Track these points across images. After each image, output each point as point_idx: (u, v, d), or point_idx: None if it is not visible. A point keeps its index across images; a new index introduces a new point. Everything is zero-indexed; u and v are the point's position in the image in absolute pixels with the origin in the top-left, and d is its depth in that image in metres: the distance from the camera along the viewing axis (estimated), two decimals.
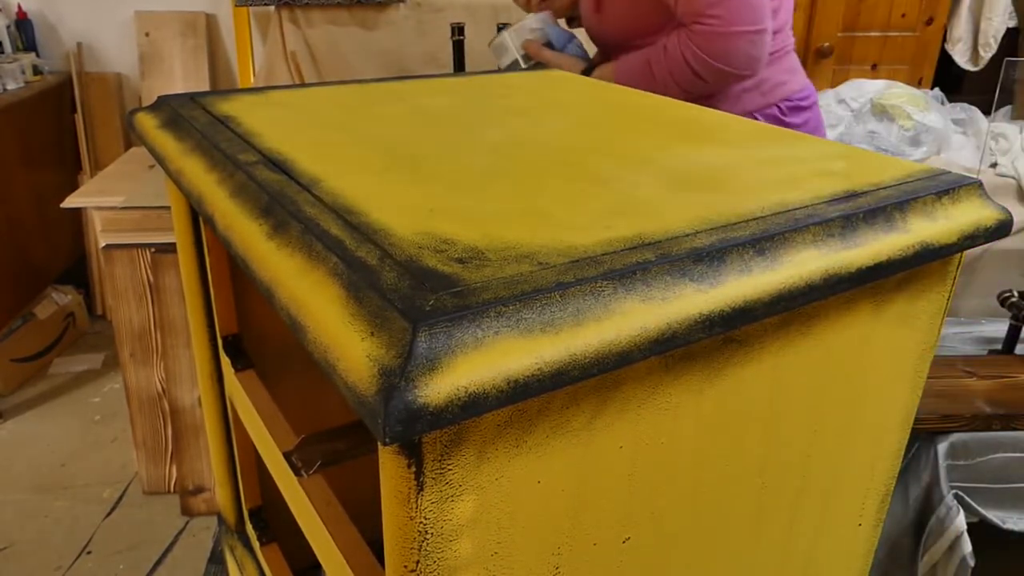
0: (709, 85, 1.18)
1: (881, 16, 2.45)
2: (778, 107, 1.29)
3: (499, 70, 1.41)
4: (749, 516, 0.57)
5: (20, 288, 2.40)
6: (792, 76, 1.31)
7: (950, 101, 2.16)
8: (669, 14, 1.17)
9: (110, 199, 1.74)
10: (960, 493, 1.17)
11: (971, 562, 1.14)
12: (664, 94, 1.21)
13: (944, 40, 2.57)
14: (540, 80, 0.90)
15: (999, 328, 1.44)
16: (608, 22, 1.29)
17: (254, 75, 2.55)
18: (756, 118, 1.29)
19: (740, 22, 1.11)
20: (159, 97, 0.78)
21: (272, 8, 2.44)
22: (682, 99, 1.23)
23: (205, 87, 2.62)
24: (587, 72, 1.30)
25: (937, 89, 2.19)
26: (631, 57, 1.23)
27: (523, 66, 1.37)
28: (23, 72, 2.45)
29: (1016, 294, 1.30)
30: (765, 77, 1.26)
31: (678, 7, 1.15)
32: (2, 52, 2.49)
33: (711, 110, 0.77)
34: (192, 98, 0.77)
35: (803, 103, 1.32)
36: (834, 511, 0.65)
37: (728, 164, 0.59)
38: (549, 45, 1.36)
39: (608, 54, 1.33)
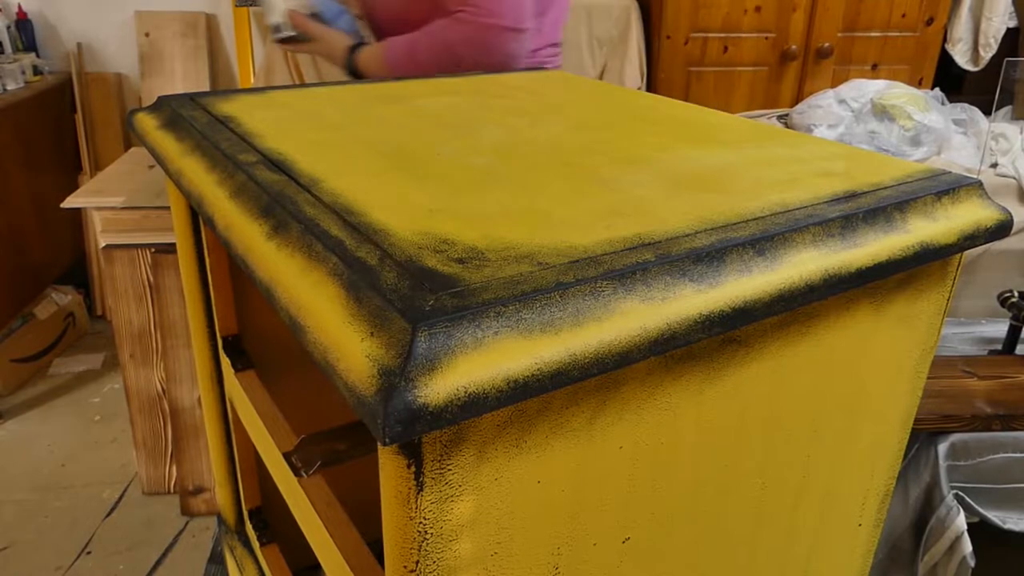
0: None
1: (881, 16, 2.45)
2: None
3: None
4: (749, 516, 0.57)
5: (20, 288, 2.40)
6: None
7: (950, 101, 2.16)
8: (434, 2, 1.17)
9: (110, 199, 1.74)
10: (960, 493, 1.17)
11: (971, 562, 1.14)
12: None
13: (944, 40, 2.57)
14: (540, 80, 0.90)
15: (999, 328, 1.44)
16: (377, 3, 1.26)
17: (254, 75, 2.55)
18: None
19: (504, 17, 1.12)
20: (159, 97, 0.78)
21: None
22: None
23: (205, 87, 2.62)
24: (354, 51, 1.25)
25: (937, 89, 2.18)
26: (400, 39, 1.21)
27: (284, 32, 1.27)
28: (23, 72, 2.45)
29: (1016, 294, 1.30)
30: None
31: None
32: (2, 52, 2.49)
33: (711, 110, 0.77)
34: (192, 98, 0.77)
35: None
36: (834, 511, 0.65)
37: (728, 164, 0.59)
38: (318, 16, 1.27)
39: (379, 36, 1.29)
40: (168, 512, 1.85)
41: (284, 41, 1.30)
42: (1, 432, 2.15)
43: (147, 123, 0.73)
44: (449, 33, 1.14)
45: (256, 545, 0.93)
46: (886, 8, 2.44)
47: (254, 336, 0.86)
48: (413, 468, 0.38)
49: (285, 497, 0.68)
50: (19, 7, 2.53)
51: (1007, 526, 1.18)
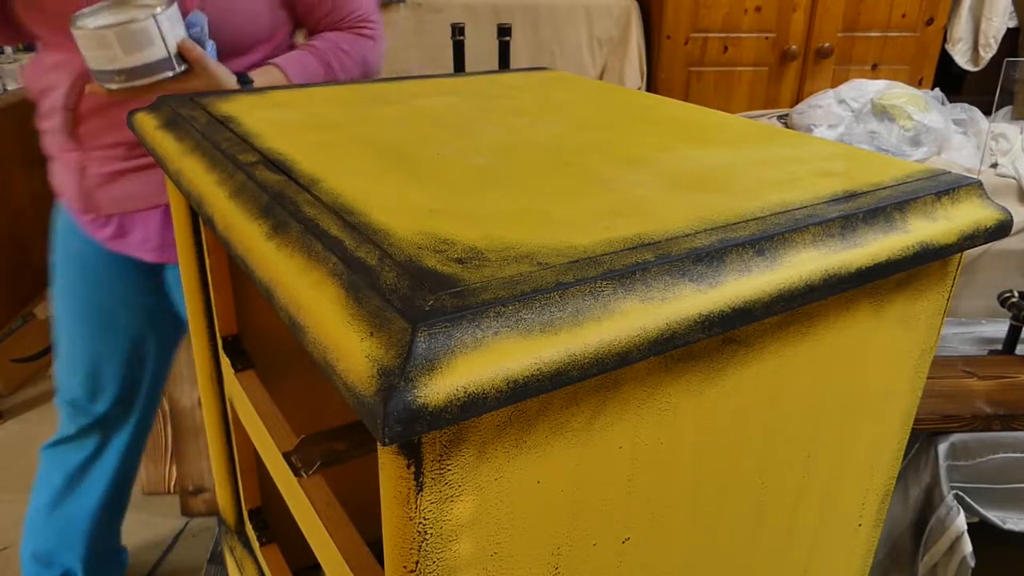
0: None
1: (881, 16, 2.45)
2: None
3: (161, 66, 0.97)
4: (749, 516, 0.57)
5: (20, 288, 2.40)
6: None
7: (951, 101, 2.16)
8: (286, 17, 1.12)
9: None
10: (960, 493, 1.17)
11: (971, 562, 1.15)
12: None
13: (944, 40, 2.57)
14: (540, 80, 0.90)
15: (999, 328, 1.44)
16: (229, 24, 1.08)
17: None
18: None
19: (382, 32, 1.23)
20: (159, 97, 0.78)
21: None
22: None
23: None
24: (246, 81, 1.05)
25: (937, 89, 2.18)
26: (302, 59, 1.11)
27: (178, 69, 0.98)
28: (23, 72, 2.45)
29: (1016, 294, 1.31)
30: None
31: (335, 5, 1.16)
32: (2, 52, 2.49)
33: (711, 110, 0.77)
34: (192, 98, 0.77)
35: None
36: (834, 511, 0.65)
37: (728, 164, 0.59)
38: (196, 42, 1.01)
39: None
40: (168, 512, 1.85)
41: (154, 83, 0.98)
42: (1, 432, 2.15)
43: (147, 123, 0.73)
44: (363, 48, 1.20)
45: (256, 545, 0.93)
46: (886, 8, 2.44)
47: (254, 336, 0.86)
48: (413, 468, 0.38)
49: (285, 497, 0.68)
50: None
51: (1007, 526, 1.18)
